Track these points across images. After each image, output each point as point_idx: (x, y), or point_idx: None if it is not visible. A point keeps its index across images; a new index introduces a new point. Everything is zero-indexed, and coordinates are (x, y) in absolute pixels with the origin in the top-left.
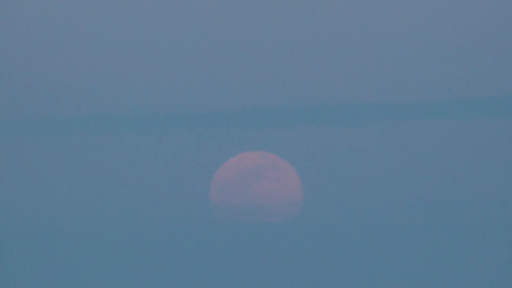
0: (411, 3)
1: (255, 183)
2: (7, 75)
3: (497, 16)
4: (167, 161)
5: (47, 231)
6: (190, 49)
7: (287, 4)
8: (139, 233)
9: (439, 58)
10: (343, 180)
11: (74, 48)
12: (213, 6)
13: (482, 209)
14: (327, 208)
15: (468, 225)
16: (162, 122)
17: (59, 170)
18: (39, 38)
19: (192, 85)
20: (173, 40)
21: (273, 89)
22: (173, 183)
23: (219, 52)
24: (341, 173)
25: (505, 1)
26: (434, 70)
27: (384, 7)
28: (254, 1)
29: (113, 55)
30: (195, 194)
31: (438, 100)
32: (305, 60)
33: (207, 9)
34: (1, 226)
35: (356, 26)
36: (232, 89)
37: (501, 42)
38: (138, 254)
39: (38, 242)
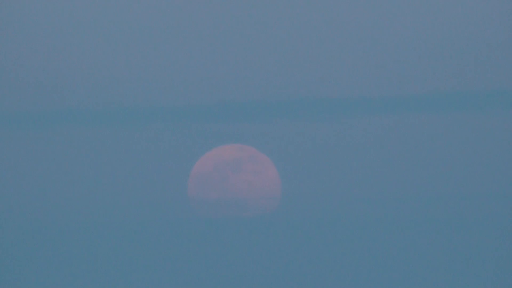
0: None
1: (233, 176)
2: (3, 70)
3: (496, 10)
4: (145, 154)
5: (39, 223)
6: (173, 44)
7: None
8: (117, 228)
9: (436, 51)
10: (321, 173)
11: (63, 44)
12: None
13: (480, 202)
14: (305, 200)
15: (464, 218)
16: (139, 116)
17: (43, 163)
18: (35, 34)
19: (170, 79)
20: (155, 35)
21: (251, 83)
22: (151, 177)
23: (198, 47)
24: (318, 166)
25: None
26: (427, 64)
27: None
28: None
29: (94, 52)
30: (173, 188)
31: (430, 93)
32: (285, 54)
33: (192, 3)
34: None
35: (348, 20)
36: (210, 83)
37: (500, 36)
38: (116, 249)
39: (33, 233)
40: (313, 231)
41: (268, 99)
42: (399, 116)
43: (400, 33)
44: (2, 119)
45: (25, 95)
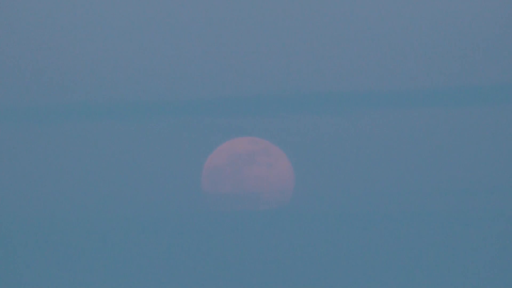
0: None
1: (247, 169)
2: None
3: (496, 3)
4: (158, 148)
5: (40, 219)
6: (181, 36)
7: None
8: (130, 223)
9: (437, 45)
10: (335, 166)
11: (65, 37)
12: None
13: (480, 197)
14: (318, 193)
15: (464, 213)
16: (153, 110)
17: (51, 159)
18: (33, 28)
19: (184, 72)
20: (163, 27)
21: (265, 76)
22: (164, 171)
23: (212, 39)
24: (332, 159)
25: None
26: (432, 58)
27: None
28: None
29: (104, 44)
30: (186, 181)
31: (437, 88)
32: (300, 48)
33: None
34: None
35: (353, 16)
36: (223, 76)
37: (499, 30)
38: (128, 244)
39: (34, 229)
40: (326, 224)
41: (282, 92)
42: (415, 109)
43: (412, 25)
44: (8, 114)
45: (36, 90)
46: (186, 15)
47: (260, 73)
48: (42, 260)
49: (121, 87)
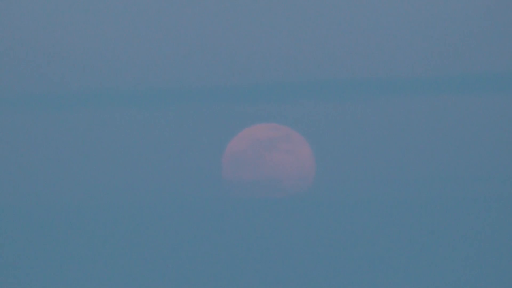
0: None
1: (268, 155)
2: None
3: None
4: (179, 136)
5: (47, 207)
6: (201, 21)
7: None
8: (150, 209)
9: (443, 32)
10: (356, 153)
11: (72, 21)
12: None
13: (481, 185)
14: (339, 180)
15: (468, 201)
16: (175, 97)
17: (66, 146)
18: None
19: (206, 59)
20: (183, 11)
21: (287, 63)
22: (184, 158)
23: (231, 25)
24: (353, 146)
25: None
26: (442, 45)
27: None
28: None
29: (120, 27)
30: (207, 168)
31: (453, 74)
32: (321, 34)
33: None
34: None
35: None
36: (245, 63)
37: (500, 16)
38: (148, 231)
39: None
40: (347, 211)
41: (303, 79)
42: (435, 96)
43: (424, 11)
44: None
45: (29, 75)
46: (210, 3)
47: (282, 59)
48: (55, 249)
49: (141, 73)
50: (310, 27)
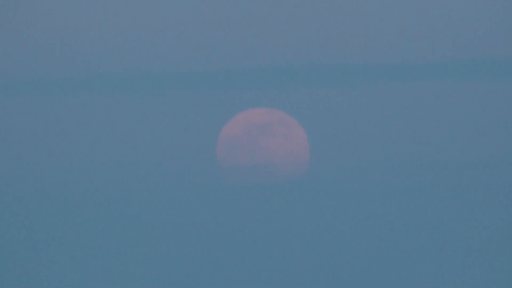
0: None
1: (262, 139)
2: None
3: None
4: (172, 120)
5: (46, 193)
6: (194, 5)
7: None
8: (143, 195)
9: (441, 16)
10: (351, 138)
11: (71, 9)
12: None
13: (481, 171)
14: (334, 165)
15: (468, 187)
16: (167, 81)
17: (57, 133)
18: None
19: (199, 43)
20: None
21: (281, 47)
22: (178, 143)
23: (224, 9)
24: (348, 131)
25: None
26: (441, 30)
27: None
28: None
29: (111, 11)
30: (201, 153)
31: (448, 60)
32: (316, 18)
33: None
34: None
35: None
36: (239, 47)
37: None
38: (141, 217)
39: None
40: (342, 196)
41: (298, 63)
42: (432, 82)
43: None
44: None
45: (30, 61)
46: None
47: (277, 44)
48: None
49: (133, 58)
50: (304, 11)
